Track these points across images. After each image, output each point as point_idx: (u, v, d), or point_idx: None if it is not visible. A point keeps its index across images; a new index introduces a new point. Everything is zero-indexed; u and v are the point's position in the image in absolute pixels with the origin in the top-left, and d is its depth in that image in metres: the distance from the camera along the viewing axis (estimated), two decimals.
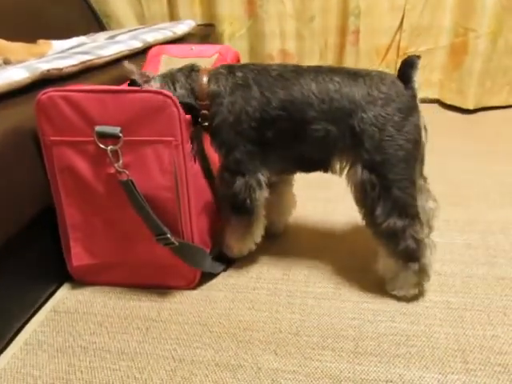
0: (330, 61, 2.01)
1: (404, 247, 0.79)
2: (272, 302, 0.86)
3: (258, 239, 0.93)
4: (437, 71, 1.95)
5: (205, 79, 0.82)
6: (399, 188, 0.78)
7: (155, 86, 0.82)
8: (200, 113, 0.83)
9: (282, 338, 0.77)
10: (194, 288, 0.90)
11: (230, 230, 0.91)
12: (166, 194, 0.80)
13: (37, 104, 0.77)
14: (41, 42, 1.24)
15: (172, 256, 0.83)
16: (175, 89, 0.83)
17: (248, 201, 0.85)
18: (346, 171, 0.83)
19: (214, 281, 0.92)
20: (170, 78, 0.84)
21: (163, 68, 1.10)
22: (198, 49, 1.13)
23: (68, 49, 1.21)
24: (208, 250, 0.93)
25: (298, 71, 0.81)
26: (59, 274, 0.92)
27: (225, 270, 0.95)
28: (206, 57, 1.09)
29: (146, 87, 0.81)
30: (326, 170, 0.86)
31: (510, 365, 0.70)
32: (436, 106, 2.00)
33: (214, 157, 0.87)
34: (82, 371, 0.73)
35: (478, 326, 0.78)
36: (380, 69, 1.96)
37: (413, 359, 0.72)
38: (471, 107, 1.88)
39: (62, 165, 0.81)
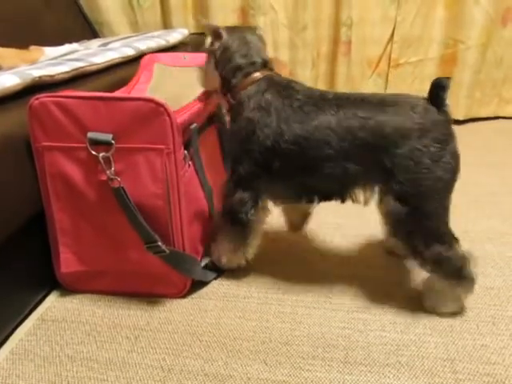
0: (322, 70, 2.03)
1: (451, 270, 0.77)
2: (262, 311, 0.86)
3: (250, 256, 0.92)
4: (427, 82, 1.97)
5: (247, 82, 0.82)
6: (434, 219, 0.75)
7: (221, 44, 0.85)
8: (227, 101, 0.85)
9: (272, 348, 0.77)
10: (184, 296, 0.90)
11: (225, 240, 0.90)
12: (157, 202, 0.80)
13: (29, 109, 0.77)
14: (33, 48, 1.24)
15: (162, 264, 0.83)
16: (222, 63, 0.85)
17: (243, 215, 0.84)
18: (375, 201, 0.79)
19: (205, 289, 0.92)
20: (233, 51, 0.84)
21: (156, 77, 1.10)
22: (191, 57, 1.14)
23: (60, 55, 1.20)
24: (199, 258, 0.93)
25: (320, 105, 0.77)
26: (47, 281, 0.91)
27: (216, 279, 0.95)
28: (199, 66, 1.10)
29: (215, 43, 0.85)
30: (343, 201, 0.82)
31: (499, 375, 0.71)
32: None
33: (209, 159, 0.88)
34: (68, 381, 0.72)
35: (468, 336, 0.78)
36: (372, 78, 1.98)
37: (402, 369, 0.72)
38: (461, 118, 1.91)
39: (54, 170, 0.80)
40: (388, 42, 1.93)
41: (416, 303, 0.85)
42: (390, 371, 0.72)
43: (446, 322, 0.81)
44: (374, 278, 0.94)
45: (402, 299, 0.87)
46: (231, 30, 0.87)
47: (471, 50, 1.82)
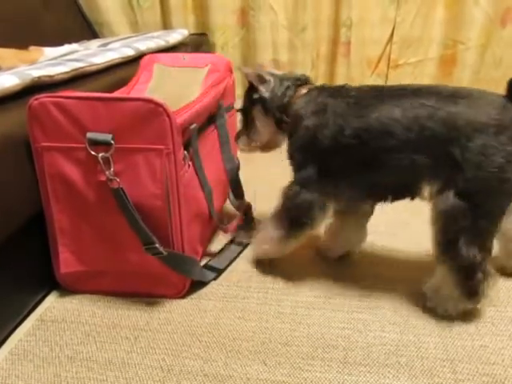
0: (321, 71, 2.04)
1: (476, 281, 0.75)
2: (262, 312, 0.86)
3: (288, 251, 0.93)
4: (427, 82, 1.98)
5: (298, 95, 0.86)
6: (489, 221, 0.73)
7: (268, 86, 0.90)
8: (283, 120, 0.88)
9: (272, 348, 0.77)
10: (184, 297, 0.89)
11: (277, 232, 0.90)
12: (157, 202, 0.80)
13: (28, 109, 0.77)
14: (32, 48, 1.24)
15: (162, 264, 0.83)
16: (274, 98, 0.89)
17: (304, 218, 0.85)
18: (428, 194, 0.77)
19: (204, 290, 0.92)
20: (278, 84, 0.89)
21: (156, 77, 1.10)
22: (190, 58, 1.14)
23: (60, 56, 1.20)
24: (198, 258, 0.93)
25: (379, 97, 0.77)
26: (47, 281, 0.91)
27: (215, 279, 0.95)
28: (198, 67, 1.10)
29: (261, 88, 0.89)
30: (413, 198, 0.80)
31: (498, 375, 0.71)
32: None
33: (209, 160, 0.88)
34: (68, 382, 0.72)
35: (467, 336, 0.78)
36: (372, 79, 1.99)
37: (402, 369, 0.72)
38: None
39: (53, 171, 0.80)
40: (387, 43, 1.93)
41: (416, 304, 0.85)
42: (389, 371, 0.72)
43: (445, 322, 0.81)
44: (374, 278, 0.94)
45: (402, 300, 0.87)
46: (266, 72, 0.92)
47: (471, 51, 1.82)
